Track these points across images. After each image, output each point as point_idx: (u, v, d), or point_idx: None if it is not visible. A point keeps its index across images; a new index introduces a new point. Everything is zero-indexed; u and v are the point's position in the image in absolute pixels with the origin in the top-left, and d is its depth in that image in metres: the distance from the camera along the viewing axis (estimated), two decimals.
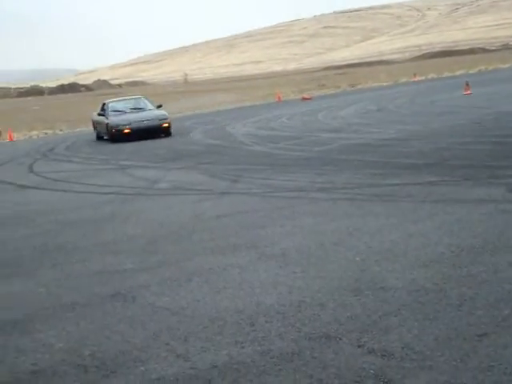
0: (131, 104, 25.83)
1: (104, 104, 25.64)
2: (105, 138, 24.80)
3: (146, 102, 26.27)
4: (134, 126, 23.24)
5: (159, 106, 25.46)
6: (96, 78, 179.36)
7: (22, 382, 4.60)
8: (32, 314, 5.96)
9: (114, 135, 23.42)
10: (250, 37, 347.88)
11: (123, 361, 4.71)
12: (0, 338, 5.44)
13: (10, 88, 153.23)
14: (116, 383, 4.39)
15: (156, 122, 23.53)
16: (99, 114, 25.17)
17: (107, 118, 24.17)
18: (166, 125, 23.55)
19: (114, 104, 25.63)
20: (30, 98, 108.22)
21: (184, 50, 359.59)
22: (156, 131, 23.27)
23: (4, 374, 4.74)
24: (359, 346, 4.51)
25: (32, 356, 4.99)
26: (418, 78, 49.09)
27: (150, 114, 24.35)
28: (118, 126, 23.39)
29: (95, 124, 26.29)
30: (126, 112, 24.74)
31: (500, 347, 4.28)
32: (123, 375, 4.49)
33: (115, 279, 6.76)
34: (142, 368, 4.55)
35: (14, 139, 31.76)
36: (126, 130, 23.16)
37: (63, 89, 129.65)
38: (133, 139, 22.70)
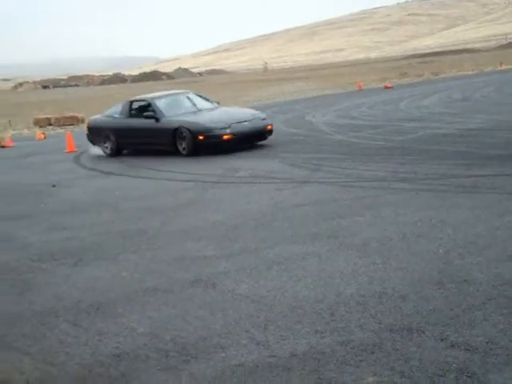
0: (185, 101, 17.60)
1: (133, 102, 17.83)
2: (129, 149, 17.75)
3: (200, 98, 18.19)
4: (235, 129, 15.67)
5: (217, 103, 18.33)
6: (177, 66, 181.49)
7: (104, 364, 4.69)
8: (115, 298, 6.07)
9: (202, 144, 15.64)
10: (331, 24, 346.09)
11: (204, 346, 4.75)
12: (84, 321, 5.56)
13: (94, 76, 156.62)
14: (197, 368, 4.43)
15: (260, 124, 16.38)
16: (134, 115, 17.35)
17: (170, 120, 16.27)
18: (270, 127, 16.58)
19: (163, 102, 17.20)
20: (112, 86, 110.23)
21: (265, 38, 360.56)
22: (261, 136, 16.35)
23: (87, 357, 4.84)
24: (442, 340, 4.43)
25: (115, 339, 5.08)
26: (504, 67, 47.88)
27: (244, 112, 17.41)
28: (211, 130, 15.56)
29: (114, 133, 17.48)
30: (196, 111, 16.87)
31: None
32: (204, 360, 4.53)
33: (196, 265, 6.82)
34: (223, 354, 4.59)
35: None
36: (226, 136, 15.45)
37: (145, 77, 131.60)
38: (230, 149, 15.59)
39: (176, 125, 15.99)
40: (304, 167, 12.44)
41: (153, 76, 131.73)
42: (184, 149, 15.83)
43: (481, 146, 12.66)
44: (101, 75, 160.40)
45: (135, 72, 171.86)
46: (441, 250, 6.43)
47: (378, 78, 49.15)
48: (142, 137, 16.95)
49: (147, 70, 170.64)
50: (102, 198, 11.65)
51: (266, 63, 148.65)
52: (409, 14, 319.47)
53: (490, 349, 4.23)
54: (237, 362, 4.43)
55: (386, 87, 38.93)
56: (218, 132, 15.59)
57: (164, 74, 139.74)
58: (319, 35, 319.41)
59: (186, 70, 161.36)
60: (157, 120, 16.47)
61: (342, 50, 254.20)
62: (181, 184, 12.28)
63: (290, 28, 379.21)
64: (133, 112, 17.49)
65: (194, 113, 16.77)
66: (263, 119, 16.68)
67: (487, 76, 40.37)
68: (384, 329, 4.70)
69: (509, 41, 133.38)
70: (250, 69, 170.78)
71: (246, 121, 16.14)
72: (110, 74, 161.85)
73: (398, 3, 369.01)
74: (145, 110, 17.13)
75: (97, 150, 18.28)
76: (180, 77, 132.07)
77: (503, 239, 6.60)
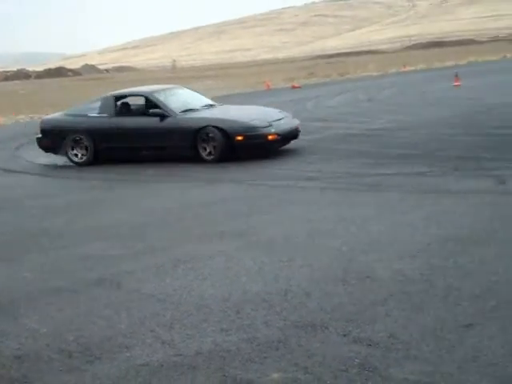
0: (187, 96, 14.69)
1: (118, 97, 14.42)
2: (116, 155, 13.88)
3: (198, 94, 15.54)
4: (278, 128, 13.04)
5: None
6: (84, 63, 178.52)
7: (5, 366, 4.57)
8: (17, 299, 5.92)
9: (241, 146, 12.71)
10: (240, 24, 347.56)
11: (108, 346, 4.69)
12: None
13: None
14: (100, 369, 4.37)
15: (293, 123, 13.90)
16: (123, 113, 14.10)
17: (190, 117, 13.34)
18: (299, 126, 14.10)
19: (166, 96, 14.04)
20: (16, 82, 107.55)
21: (173, 35, 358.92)
22: (294, 136, 13.67)
23: None
24: (345, 335, 4.51)
25: (16, 340, 4.96)
26: (407, 69, 49.07)
27: (268, 110, 14.75)
28: (254, 128, 12.77)
29: (91, 136, 13.90)
30: (210, 107, 14.27)
31: (486, 338, 4.29)
32: (108, 360, 4.47)
33: (101, 265, 6.73)
34: (127, 354, 4.54)
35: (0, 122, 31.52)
36: (271, 136, 12.76)
37: (50, 73, 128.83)
38: (272, 151, 13.07)
39: (200, 123, 12.95)
40: (213, 166, 12.43)
41: (58, 72, 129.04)
42: (210, 153, 12.78)
43: (385, 145, 12.93)
44: (4, 71, 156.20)
45: (40, 68, 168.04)
46: (345, 247, 6.54)
47: (286, 78, 49.56)
48: (139, 140, 13.53)
49: (52, 66, 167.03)
50: (3, 197, 11.35)
51: (174, 61, 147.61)
52: (316, 15, 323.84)
53: (391, 344, 4.34)
54: (142, 362, 4.40)
55: (294, 87, 39.29)
56: (262, 131, 12.76)
57: (70, 70, 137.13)
58: (227, 34, 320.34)
59: (92, 66, 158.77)
60: (163, 118, 13.31)
61: (250, 49, 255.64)
62: (87, 182, 12.11)
63: (199, 26, 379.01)
64: (120, 109, 14.18)
65: (211, 109, 14.10)
66: (294, 118, 14.37)
67: (392, 77, 41.28)
68: (289, 325, 4.75)
69: (413, 43, 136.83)
70: (159, 66, 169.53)
71: (281, 119, 13.64)
72: (14, 69, 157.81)
73: (306, 4, 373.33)
74: (139, 106, 14.42)
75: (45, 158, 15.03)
76: (87, 73, 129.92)
77: (404, 236, 6.77)
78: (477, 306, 4.81)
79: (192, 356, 4.40)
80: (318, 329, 4.65)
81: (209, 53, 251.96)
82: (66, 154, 14.19)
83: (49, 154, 14.78)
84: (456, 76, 27.60)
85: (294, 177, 10.62)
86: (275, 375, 4.04)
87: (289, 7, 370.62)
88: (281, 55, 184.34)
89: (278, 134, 12.88)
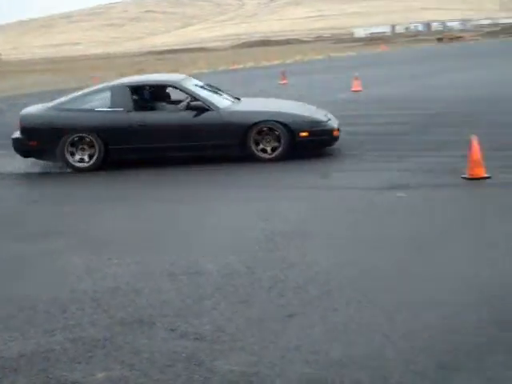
0: (208, 87, 12.24)
1: (135, 88, 11.62)
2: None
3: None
4: (334, 122, 11.39)
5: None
6: None
7: None
8: None
9: (305, 143, 10.87)
10: (67, 18, 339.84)
11: None
12: None
13: None
14: None
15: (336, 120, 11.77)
16: (145, 107, 11.51)
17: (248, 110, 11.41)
18: None
19: (194, 86, 11.76)
20: None
21: None
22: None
23: None
24: (172, 330, 4.53)
25: None
26: (236, 66, 49.79)
27: (302, 103, 12.98)
28: (321, 123, 11.05)
29: (102, 135, 10.99)
30: (240, 100, 12.36)
31: (307, 327, 4.45)
32: None
33: None
34: None
35: None
36: (336, 132, 11.14)
37: None
38: (323, 147, 11.28)
39: (255, 118, 10.94)
40: (40, 164, 12.06)
41: None
42: (264, 150, 10.83)
43: None
44: None
45: None
46: (173, 244, 6.57)
47: (115, 74, 48.91)
48: (167, 139, 11.04)
49: None
50: None
51: (0, 54, 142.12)
52: (146, 11, 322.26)
53: (218, 336, 4.40)
54: None
55: None
56: (327, 126, 11.06)
57: None
58: (55, 28, 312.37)
59: None
60: (200, 112, 11.04)
61: (78, 43, 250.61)
62: None
63: (24, 20, 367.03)
64: (139, 102, 11.55)
65: (249, 101, 12.55)
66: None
67: (221, 75, 41.74)
68: (116, 323, 4.71)
69: (242, 41, 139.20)
70: None
71: (327, 113, 11.73)
72: None
73: None
74: (161, 98, 12.04)
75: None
76: None
77: (232, 231, 6.90)
78: (299, 296, 4.98)
79: (14, 358, 4.27)
80: (146, 325, 4.64)
81: (36, 47, 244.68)
82: (63, 159, 11.06)
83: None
84: (283, 74, 28.33)
85: (150, 174, 10.56)
86: (100, 374, 4.00)
87: (117, 2, 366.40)
88: (111, 50, 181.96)
89: (339, 130, 11.28)
